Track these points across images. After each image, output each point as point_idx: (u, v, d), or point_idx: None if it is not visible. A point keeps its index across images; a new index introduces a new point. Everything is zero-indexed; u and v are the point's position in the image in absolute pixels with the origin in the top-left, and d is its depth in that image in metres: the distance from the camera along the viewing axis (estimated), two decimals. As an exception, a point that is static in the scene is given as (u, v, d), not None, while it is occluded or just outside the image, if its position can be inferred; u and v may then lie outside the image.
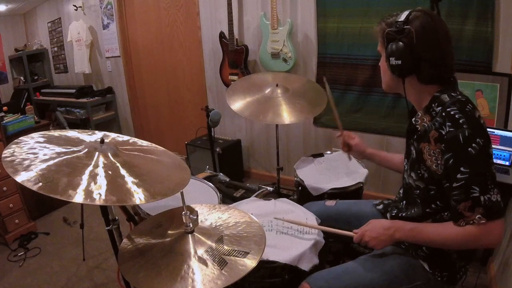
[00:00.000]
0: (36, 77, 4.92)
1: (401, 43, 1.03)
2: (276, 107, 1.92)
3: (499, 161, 1.95)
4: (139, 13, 3.82)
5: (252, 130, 3.34)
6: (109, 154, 1.11)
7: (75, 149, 1.11)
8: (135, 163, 1.15)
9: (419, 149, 1.08)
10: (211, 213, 1.24)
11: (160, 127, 4.20)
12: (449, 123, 0.97)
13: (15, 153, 1.04)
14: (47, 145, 1.11)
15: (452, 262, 1.12)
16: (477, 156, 0.94)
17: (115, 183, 1.01)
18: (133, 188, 1.02)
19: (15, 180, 0.93)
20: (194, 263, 0.97)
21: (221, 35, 3.04)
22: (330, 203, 1.52)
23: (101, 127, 4.20)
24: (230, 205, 1.42)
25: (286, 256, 1.18)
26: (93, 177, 1.00)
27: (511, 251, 1.70)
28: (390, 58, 1.06)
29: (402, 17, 1.04)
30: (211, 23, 3.22)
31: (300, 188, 1.87)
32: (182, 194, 1.11)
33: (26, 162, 0.99)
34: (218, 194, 1.69)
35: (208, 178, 2.16)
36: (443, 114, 1.00)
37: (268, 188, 2.15)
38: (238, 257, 1.00)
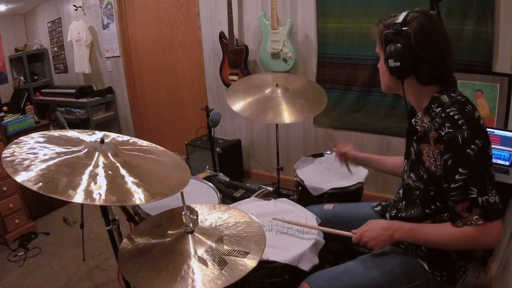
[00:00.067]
0: (36, 77, 4.92)
1: (399, 44, 1.03)
2: (276, 107, 1.92)
3: (499, 161, 1.95)
4: (139, 13, 3.82)
5: (252, 130, 3.34)
6: (109, 154, 1.11)
7: (75, 149, 1.11)
8: (135, 163, 1.15)
9: (419, 150, 1.08)
10: (211, 213, 1.24)
11: (160, 127, 4.20)
12: (449, 124, 0.97)
13: (15, 153, 1.04)
14: (47, 145, 1.11)
15: (452, 262, 1.12)
16: (475, 157, 0.94)
17: (115, 183, 1.01)
18: (133, 188, 1.02)
19: (15, 180, 0.93)
20: (194, 263, 0.97)
21: (221, 35, 3.04)
22: (328, 206, 1.52)
23: (101, 127, 4.20)
24: (230, 205, 1.42)
25: (286, 256, 1.18)
26: (93, 177, 1.00)
27: (511, 251, 1.70)
28: (389, 60, 1.06)
29: (400, 18, 1.04)
30: (211, 23, 3.22)
31: (300, 188, 1.87)
32: (182, 194, 1.11)
33: (26, 162, 0.99)
34: (218, 194, 1.69)
35: (208, 178, 2.16)
36: (443, 115, 1.00)
37: (268, 188, 2.15)
38: (238, 257, 1.00)
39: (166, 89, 3.92)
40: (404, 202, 1.23)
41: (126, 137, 1.36)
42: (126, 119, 4.38)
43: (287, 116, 1.88)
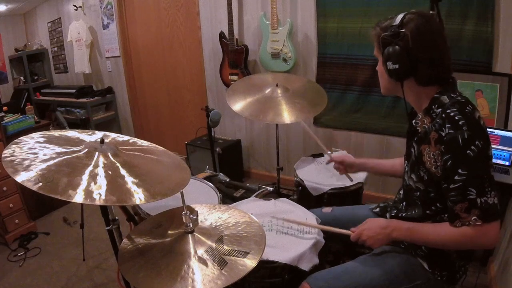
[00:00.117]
0: (36, 77, 4.91)
1: (397, 47, 1.03)
2: (276, 107, 1.92)
3: (499, 161, 1.95)
4: (139, 13, 3.82)
5: (252, 130, 3.34)
6: (109, 154, 1.11)
7: (75, 149, 1.11)
8: (135, 163, 1.15)
9: (420, 151, 1.08)
10: (211, 213, 1.24)
11: (160, 127, 4.20)
12: (449, 125, 0.97)
13: (15, 153, 1.04)
14: (47, 145, 1.11)
15: (452, 262, 1.13)
16: (475, 158, 0.95)
17: (115, 183, 1.01)
18: (133, 188, 1.02)
19: (15, 180, 0.93)
20: (194, 263, 0.97)
21: (221, 35, 3.04)
22: (327, 209, 1.52)
23: (101, 127, 4.20)
24: (230, 205, 1.42)
25: (286, 256, 1.18)
26: (93, 177, 1.00)
27: (511, 251, 1.70)
28: (387, 63, 1.06)
29: (397, 20, 1.04)
30: (211, 23, 3.22)
31: (300, 188, 1.87)
32: (182, 194, 1.11)
33: (26, 162, 0.99)
34: (218, 194, 1.69)
35: (208, 178, 2.16)
36: (443, 115, 1.00)
37: (268, 188, 2.15)
38: (238, 257, 1.00)
39: (166, 89, 3.92)
40: (404, 203, 1.24)
41: (126, 137, 1.36)
42: (126, 119, 4.38)
43: (287, 116, 1.88)
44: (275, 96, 1.97)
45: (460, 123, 0.96)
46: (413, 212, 1.16)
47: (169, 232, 1.12)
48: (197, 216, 1.12)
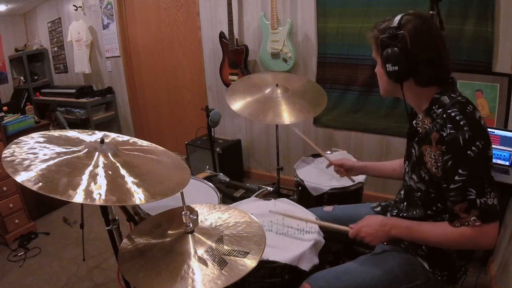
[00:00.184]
0: (36, 77, 4.91)
1: (396, 48, 1.03)
2: (276, 107, 1.92)
3: (499, 161, 1.95)
4: (139, 13, 3.82)
5: (252, 130, 3.34)
6: (109, 154, 1.11)
7: (75, 149, 1.11)
8: (135, 163, 1.15)
9: (421, 151, 1.08)
10: (211, 213, 1.24)
11: (160, 127, 4.20)
12: (450, 125, 0.97)
13: (15, 153, 1.04)
14: (47, 145, 1.11)
15: (452, 262, 1.13)
16: (476, 159, 0.95)
17: (115, 183, 1.01)
18: (133, 188, 1.02)
19: (15, 180, 0.93)
20: (194, 263, 0.97)
21: (221, 35, 3.04)
22: (328, 208, 1.52)
23: (101, 127, 4.20)
24: (230, 205, 1.42)
25: (286, 256, 1.18)
26: (93, 177, 1.00)
27: (511, 251, 1.70)
28: (387, 65, 1.06)
29: (395, 22, 1.04)
30: (211, 23, 3.22)
31: (300, 188, 1.87)
32: (182, 194, 1.11)
33: (26, 162, 0.99)
34: (218, 194, 1.69)
35: (208, 178, 2.16)
36: (444, 116, 1.00)
37: (268, 188, 2.15)
38: (238, 257, 1.00)
39: (166, 89, 3.92)
40: (405, 203, 1.23)
41: (126, 137, 1.36)
42: (126, 119, 4.38)
43: (286, 116, 1.88)
44: (275, 96, 1.97)
45: (461, 123, 0.96)
46: (414, 213, 1.16)
47: (169, 232, 1.12)
48: (197, 216, 1.12)
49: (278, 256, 1.18)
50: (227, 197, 2.21)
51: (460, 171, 0.96)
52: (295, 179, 1.91)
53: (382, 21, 1.10)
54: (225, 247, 1.04)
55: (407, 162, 1.20)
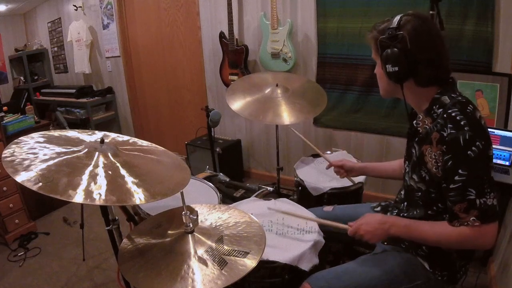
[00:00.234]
0: (36, 77, 4.91)
1: (396, 49, 1.03)
2: (276, 107, 1.91)
3: (499, 161, 1.95)
4: (139, 13, 3.82)
5: (252, 130, 3.34)
6: (109, 154, 1.11)
7: (75, 149, 1.11)
8: (135, 163, 1.15)
9: (421, 151, 1.08)
10: (211, 213, 1.24)
11: (160, 127, 4.20)
12: (451, 125, 0.97)
13: (15, 153, 1.04)
14: (47, 145, 1.11)
15: (452, 262, 1.13)
16: (476, 159, 0.95)
17: (115, 183, 1.01)
18: (133, 188, 1.02)
19: (15, 180, 0.93)
20: (194, 263, 0.97)
21: (221, 35, 3.04)
22: (328, 208, 1.52)
23: (101, 127, 4.20)
24: (230, 205, 1.42)
25: (286, 256, 1.18)
26: (93, 177, 1.00)
27: (511, 251, 1.70)
28: (387, 66, 1.06)
29: (394, 23, 1.04)
30: (211, 23, 3.22)
31: (300, 188, 1.87)
32: (182, 194, 1.11)
33: (26, 162, 0.99)
34: (218, 194, 1.69)
35: (208, 178, 2.16)
36: (445, 115, 1.00)
37: (268, 188, 2.15)
38: (238, 257, 1.00)
39: (166, 89, 3.92)
40: (406, 203, 1.23)
41: (126, 137, 1.36)
42: (126, 119, 4.38)
43: (286, 117, 1.88)
44: (275, 96, 1.97)
45: (462, 123, 0.96)
46: (415, 213, 1.16)
47: (169, 232, 1.12)
48: (197, 216, 1.12)
49: (278, 256, 1.18)
50: (227, 197, 2.21)
51: (460, 171, 0.96)
52: (295, 179, 1.91)
53: (381, 22, 1.10)
54: (225, 247, 1.04)
55: (407, 162, 1.20)
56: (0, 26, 4.78)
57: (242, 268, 0.96)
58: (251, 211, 1.32)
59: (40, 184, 0.91)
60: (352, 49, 2.59)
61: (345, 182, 1.74)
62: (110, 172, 1.04)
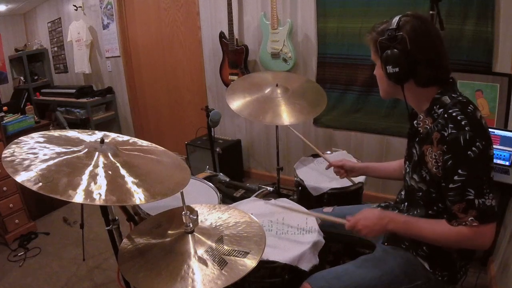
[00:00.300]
0: (36, 77, 4.91)
1: (396, 50, 1.03)
2: (276, 107, 1.91)
3: (499, 161, 1.95)
4: (139, 13, 3.82)
5: (252, 130, 3.34)
6: (109, 154, 1.11)
7: (75, 149, 1.11)
8: (135, 163, 1.15)
9: (422, 151, 1.08)
10: (211, 213, 1.24)
11: (160, 127, 4.20)
12: (451, 125, 0.97)
13: (15, 153, 1.04)
14: (47, 145, 1.11)
15: (453, 262, 1.13)
16: (476, 160, 0.95)
17: (115, 183, 1.01)
18: (133, 188, 1.02)
19: (15, 180, 0.93)
20: (194, 263, 0.97)
21: (221, 35, 3.04)
22: (328, 209, 1.52)
23: (101, 127, 4.20)
24: (230, 205, 1.42)
25: (286, 256, 1.18)
26: (93, 177, 1.00)
27: (511, 251, 1.70)
28: (387, 67, 1.06)
29: (393, 24, 1.04)
30: (211, 23, 3.22)
31: (300, 188, 1.87)
32: (182, 194, 1.11)
33: (26, 162, 0.99)
34: (218, 194, 1.69)
35: (208, 178, 2.16)
36: (445, 115, 1.00)
37: (268, 188, 2.15)
38: (238, 257, 1.00)
39: (166, 89, 3.92)
40: (406, 204, 1.23)
41: (126, 137, 1.36)
42: (126, 119, 4.38)
43: (286, 117, 1.88)
44: (275, 97, 1.96)
45: (463, 123, 0.96)
46: (415, 213, 1.16)
47: (169, 232, 1.12)
48: (197, 216, 1.12)
49: (278, 256, 1.18)
50: (227, 197, 2.21)
51: (459, 171, 0.96)
52: (295, 179, 1.91)
53: (380, 23, 1.10)
54: (225, 247, 1.04)
55: (407, 162, 1.20)
56: (0, 26, 4.78)
57: (242, 268, 0.96)
58: (251, 211, 1.32)
59: (40, 184, 0.91)
60: (352, 49, 2.59)
61: (345, 182, 1.74)
62: (110, 172, 1.04)
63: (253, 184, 2.34)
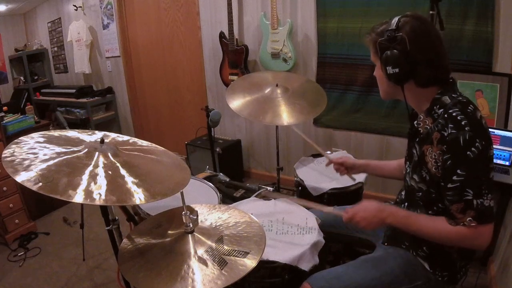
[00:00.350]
0: (36, 77, 4.91)
1: (395, 51, 1.03)
2: (276, 107, 1.91)
3: (499, 161, 1.95)
4: (139, 13, 3.82)
5: (252, 130, 3.34)
6: (109, 154, 1.11)
7: (75, 149, 1.11)
8: (135, 163, 1.15)
9: (422, 151, 1.08)
10: (211, 213, 1.24)
11: (160, 127, 4.20)
12: (451, 125, 0.98)
13: (15, 153, 1.03)
14: (47, 145, 1.11)
15: (453, 262, 1.13)
16: (475, 160, 0.95)
17: (115, 183, 1.01)
18: (133, 188, 1.02)
19: (15, 180, 0.93)
20: (194, 263, 0.97)
21: (221, 35, 3.04)
22: (328, 209, 1.52)
23: (101, 127, 4.20)
24: (230, 205, 1.42)
25: (286, 256, 1.18)
26: (93, 177, 1.00)
27: (511, 251, 1.70)
28: (387, 68, 1.06)
29: (392, 24, 1.04)
30: (211, 23, 3.22)
31: (300, 188, 1.87)
32: (182, 194, 1.11)
33: (26, 162, 0.99)
34: (218, 194, 1.69)
35: (208, 178, 2.16)
36: (445, 115, 1.00)
37: (268, 188, 2.15)
38: (238, 257, 1.00)
39: (166, 89, 3.92)
40: (406, 204, 1.23)
41: (126, 137, 1.36)
42: (126, 119, 4.38)
43: (286, 117, 1.87)
44: (275, 97, 1.96)
45: (463, 123, 0.96)
46: (416, 213, 1.16)
47: (169, 232, 1.12)
48: (197, 216, 1.12)
49: (278, 256, 1.18)
50: (227, 197, 2.20)
51: (458, 171, 0.96)
52: (295, 179, 1.91)
53: (379, 24, 1.10)
54: (225, 247, 1.04)
55: (408, 162, 1.20)
56: (0, 26, 4.78)
57: (242, 268, 0.96)
58: (251, 211, 1.32)
59: (40, 184, 0.91)
60: (352, 49, 2.59)
61: (345, 182, 1.74)
62: (110, 172, 1.04)
63: (253, 184, 2.34)
